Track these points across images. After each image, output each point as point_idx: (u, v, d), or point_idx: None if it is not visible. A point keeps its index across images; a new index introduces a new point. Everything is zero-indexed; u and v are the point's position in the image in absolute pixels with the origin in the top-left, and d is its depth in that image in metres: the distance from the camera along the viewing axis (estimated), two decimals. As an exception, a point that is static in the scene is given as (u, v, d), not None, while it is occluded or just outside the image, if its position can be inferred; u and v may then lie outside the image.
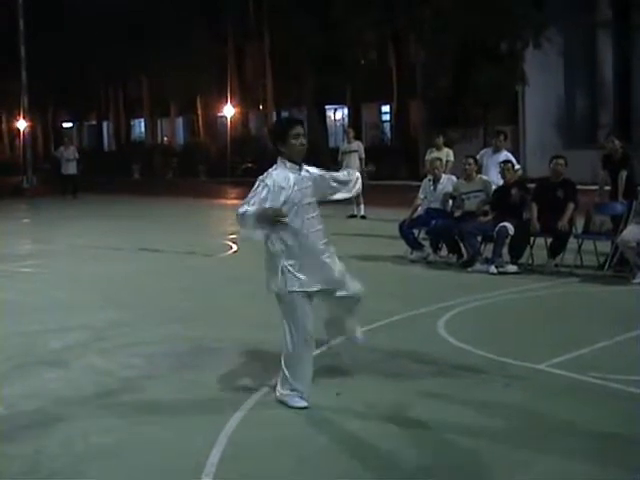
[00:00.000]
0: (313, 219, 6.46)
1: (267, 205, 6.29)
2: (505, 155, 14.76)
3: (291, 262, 6.34)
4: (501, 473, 5.16)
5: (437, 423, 6.04)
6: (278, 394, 6.49)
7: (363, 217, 20.36)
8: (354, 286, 6.74)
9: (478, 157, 15.07)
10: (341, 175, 6.92)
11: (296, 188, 6.37)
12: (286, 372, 6.41)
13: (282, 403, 6.41)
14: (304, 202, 6.41)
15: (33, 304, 10.99)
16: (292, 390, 6.40)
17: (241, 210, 6.36)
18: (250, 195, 6.40)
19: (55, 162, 33.76)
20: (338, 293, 6.61)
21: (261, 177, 6.46)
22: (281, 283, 6.36)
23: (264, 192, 6.33)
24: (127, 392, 7.00)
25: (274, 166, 6.51)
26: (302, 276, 6.34)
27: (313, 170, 6.65)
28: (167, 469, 5.37)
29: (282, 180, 6.37)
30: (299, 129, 6.46)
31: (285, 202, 6.32)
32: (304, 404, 6.34)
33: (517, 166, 15.13)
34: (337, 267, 6.59)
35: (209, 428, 5.96)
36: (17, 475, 5.34)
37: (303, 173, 6.50)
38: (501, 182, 13.49)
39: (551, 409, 6.30)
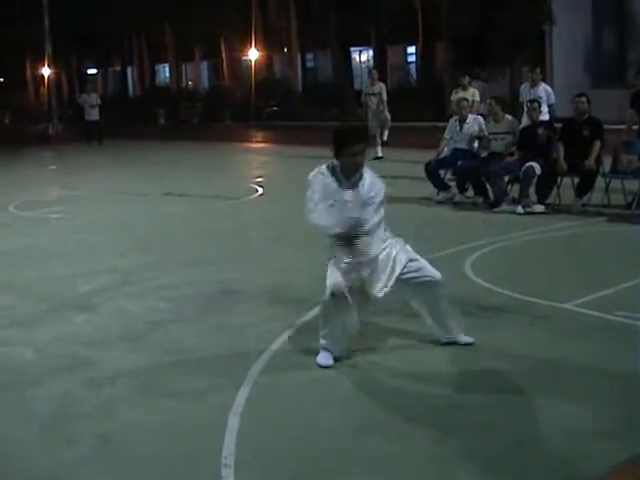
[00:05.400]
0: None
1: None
2: (543, 88, 16.04)
3: None
4: (524, 413, 5.17)
5: (462, 363, 6.06)
6: None
7: (378, 158, 19.98)
8: None
9: (522, 89, 16.36)
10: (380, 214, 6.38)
11: (335, 199, 6.07)
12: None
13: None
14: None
15: (61, 249, 11.10)
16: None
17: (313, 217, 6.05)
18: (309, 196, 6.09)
19: (79, 109, 33.76)
20: None
21: (311, 175, 6.14)
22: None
23: (317, 194, 6.05)
24: (154, 335, 7.06)
25: (327, 164, 6.19)
26: None
27: (366, 191, 6.20)
28: (195, 408, 5.42)
29: (324, 187, 6.08)
30: (357, 147, 6.03)
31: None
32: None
33: (552, 100, 15.47)
34: None
35: (235, 370, 6.01)
36: (47, 417, 5.41)
37: (347, 189, 6.12)
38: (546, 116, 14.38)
39: (576, 348, 6.29)
